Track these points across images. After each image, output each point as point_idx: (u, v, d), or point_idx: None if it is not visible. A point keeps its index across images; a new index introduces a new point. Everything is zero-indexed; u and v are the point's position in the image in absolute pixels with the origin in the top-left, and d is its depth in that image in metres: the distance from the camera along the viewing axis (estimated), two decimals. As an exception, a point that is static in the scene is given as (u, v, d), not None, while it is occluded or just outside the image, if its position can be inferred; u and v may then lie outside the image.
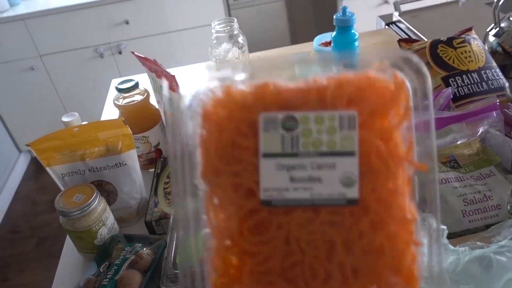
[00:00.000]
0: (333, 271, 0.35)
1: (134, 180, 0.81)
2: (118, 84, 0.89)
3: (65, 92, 2.49)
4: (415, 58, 0.35)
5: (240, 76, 0.38)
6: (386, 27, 1.45)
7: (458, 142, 0.74)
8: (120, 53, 2.39)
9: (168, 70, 1.39)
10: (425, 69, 0.35)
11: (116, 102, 0.89)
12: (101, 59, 2.40)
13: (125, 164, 0.78)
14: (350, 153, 0.35)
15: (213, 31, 1.16)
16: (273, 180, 0.35)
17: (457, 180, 0.68)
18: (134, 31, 2.35)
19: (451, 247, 0.56)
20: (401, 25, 1.41)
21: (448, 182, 0.68)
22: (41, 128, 2.56)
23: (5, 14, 2.23)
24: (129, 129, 0.76)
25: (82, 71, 2.43)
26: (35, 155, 0.73)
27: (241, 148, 0.36)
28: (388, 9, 2.51)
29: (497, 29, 1.04)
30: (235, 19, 1.17)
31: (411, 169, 0.36)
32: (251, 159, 0.35)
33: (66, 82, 2.45)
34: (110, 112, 1.21)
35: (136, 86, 0.89)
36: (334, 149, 0.35)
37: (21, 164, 2.58)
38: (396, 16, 1.44)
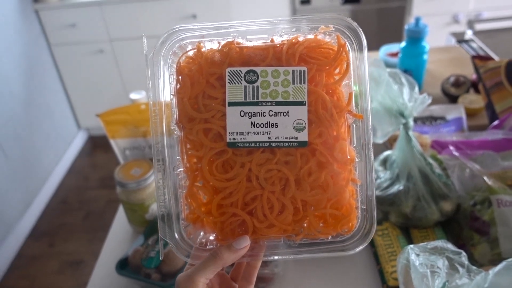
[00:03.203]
0: (287, 204, 0.42)
1: (189, 163, 0.83)
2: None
3: (129, 77, 2.59)
4: (354, 23, 0.43)
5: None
6: (457, 44, 1.40)
7: (527, 167, 0.71)
8: (184, 45, 2.46)
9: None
10: (359, 30, 0.43)
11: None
12: (165, 50, 2.48)
13: (183, 146, 0.80)
14: (301, 103, 0.42)
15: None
16: (237, 125, 0.42)
17: (522, 205, 0.64)
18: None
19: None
20: (473, 44, 1.36)
21: (512, 205, 0.64)
22: (102, 109, 2.68)
23: (84, -1, 2.36)
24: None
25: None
26: (102, 126, 0.77)
27: (211, 98, 0.42)
28: (458, 28, 2.42)
29: None
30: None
31: (350, 118, 0.42)
32: (219, 107, 0.42)
33: (131, 68, 2.56)
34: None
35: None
36: (287, 99, 0.42)
37: (79, 141, 2.71)
38: (469, 35, 1.39)
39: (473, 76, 1.10)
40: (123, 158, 0.80)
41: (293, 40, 0.42)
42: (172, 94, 0.44)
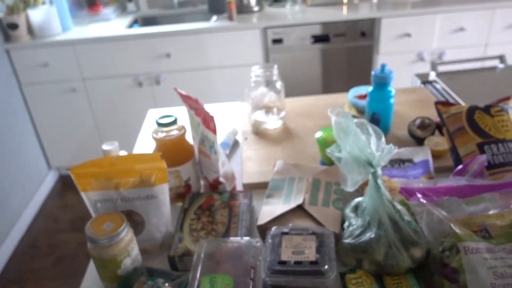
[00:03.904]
0: None
1: (163, 213, 0.83)
2: (158, 119, 0.92)
3: (101, 115, 2.57)
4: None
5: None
6: (422, 85, 1.46)
7: (490, 212, 0.73)
8: (158, 83, 2.47)
9: (205, 105, 1.44)
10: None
11: (154, 135, 0.92)
12: (139, 88, 2.49)
13: (157, 197, 0.80)
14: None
15: (252, 74, 1.20)
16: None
17: (488, 252, 0.66)
18: (174, 64, 2.44)
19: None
20: (437, 86, 1.43)
21: (479, 252, 0.66)
22: (73, 148, 2.64)
23: (57, 38, 2.36)
24: (164, 163, 0.78)
25: (120, 98, 2.52)
26: (73, 179, 0.76)
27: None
28: (423, 66, 2.53)
29: (536, 100, 1.04)
30: (276, 66, 1.21)
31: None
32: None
33: (103, 106, 2.55)
34: (144, 142, 1.25)
35: (175, 122, 0.92)
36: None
37: (49, 181, 2.65)
38: (432, 76, 1.46)
39: (437, 118, 1.15)
40: (95, 211, 0.79)
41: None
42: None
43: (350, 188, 0.75)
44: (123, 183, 0.77)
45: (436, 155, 1.05)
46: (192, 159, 0.96)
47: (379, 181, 0.75)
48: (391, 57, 2.52)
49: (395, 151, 0.74)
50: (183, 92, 0.95)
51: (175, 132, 0.93)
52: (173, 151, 0.93)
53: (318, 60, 2.54)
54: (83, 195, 0.78)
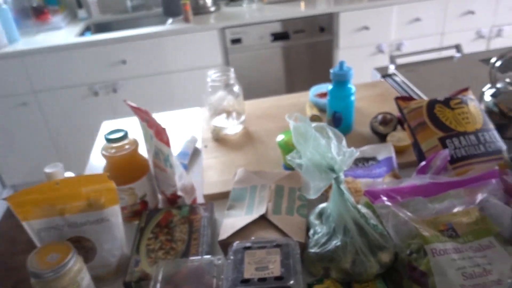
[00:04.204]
0: None
1: (116, 237, 0.77)
2: (107, 134, 0.86)
3: (56, 129, 2.46)
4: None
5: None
6: (382, 79, 1.45)
7: (456, 209, 0.71)
8: (115, 91, 2.38)
9: (162, 113, 1.38)
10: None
11: (103, 152, 0.86)
12: (96, 98, 2.39)
13: (108, 220, 0.74)
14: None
15: (208, 79, 1.15)
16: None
17: (455, 252, 0.64)
18: (131, 71, 2.36)
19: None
20: (397, 78, 1.42)
21: (447, 253, 0.64)
22: (29, 164, 2.51)
23: (3, 50, 2.23)
24: (113, 184, 0.72)
25: (75, 109, 2.41)
26: (12, 209, 0.69)
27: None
28: (383, 58, 2.55)
29: (494, 89, 1.04)
30: (232, 69, 1.17)
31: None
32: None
33: (58, 119, 2.43)
34: (98, 157, 1.18)
35: (125, 136, 0.86)
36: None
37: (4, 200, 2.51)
38: (391, 69, 1.45)
39: (398, 113, 1.13)
40: (39, 240, 0.72)
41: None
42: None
43: (313, 195, 0.72)
44: (69, 209, 0.71)
45: (399, 151, 1.03)
46: (146, 174, 0.90)
47: (343, 186, 0.72)
48: (351, 51, 2.52)
49: (356, 154, 0.71)
50: (133, 104, 0.89)
51: (126, 147, 0.87)
52: (125, 168, 0.87)
53: (280, 58, 2.51)
54: (24, 224, 0.71)
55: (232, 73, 1.16)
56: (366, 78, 1.60)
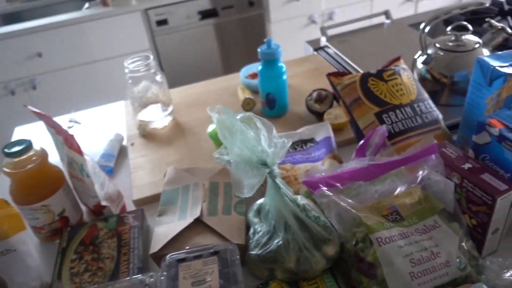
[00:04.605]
0: None
1: (29, 266, 0.67)
2: (6, 148, 0.74)
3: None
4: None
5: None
6: (315, 53, 1.40)
7: (398, 190, 0.68)
8: (34, 88, 2.17)
9: (83, 111, 1.25)
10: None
11: (5, 169, 0.74)
12: (12, 97, 2.17)
13: (15, 250, 0.64)
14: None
15: (126, 71, 1.04)
16: None
17: (401, 238, 0.61)
18: (49, 63, 2.16)
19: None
20: (329, 51, 1.37)
21: (393, 241, 0.60)
22: None
23: None
24: (14, 208, 0.62)
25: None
26: None
27: None
28: (317, 29, 2.51)
29: (425, 56, 1.01)
30: (151, 57, 1.06)
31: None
32: None
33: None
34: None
35: (28, 148, 0.74)
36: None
37: None
38: (323, 42, 1.40)
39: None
40: None
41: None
42: None
43: (247, 194, 0.65)
44: (-37, 244, 0.60)
45: (338, 128, 0.99)
46: (62, 187, 0.79)
47: (278, 180, 0.65)
48: (284, 24, 2.45)
49: (289, 144, 0.64)
50: (34, 109, 0.77)
51: (34, 159, 0.76)
52: (35, 184, 0.76)
53: (212, 38, 2.40)
54: None
55: (152, 61, 1.05)
56: (302, 52, 1.54)
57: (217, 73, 2.39)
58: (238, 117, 0.65)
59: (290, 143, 0.64)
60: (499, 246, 0.68)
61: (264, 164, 0.63)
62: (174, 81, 2.36)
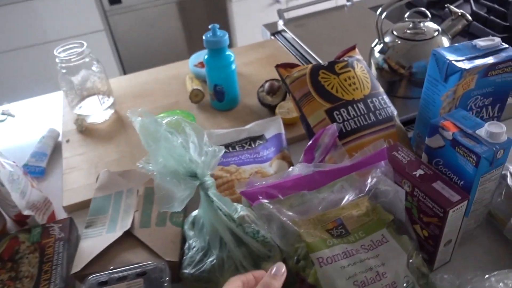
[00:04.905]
0: None
1: None
2: None
3: None
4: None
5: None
6: (272, 37, 1.32)
7: (346, 198, 0.62)
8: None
9: (21, 101, 1.13)
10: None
11: None
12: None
13: None
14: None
15: (57, 60, 0.94)
16: None
17: (345, 256, 0.55)
18: (-7, 45, 2.00)
19: None
20: (287, 35, 1.29)
21: (335, 260, 0.54)
22: None
23: None
24: None
25: None
26: None
27: None
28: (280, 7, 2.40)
29: (382, 45, 0.94)
30: (85, 43, 0.96)
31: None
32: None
33: None
34: None
35: None
36: None
37: None
38: (281, 26, 1.31)
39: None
40: None
41: None
42: None
43: (178, 208, 0.58)
44: None
45: (290, 123, 0.92)
46: (-26, 197, 0.70)
47: (211, 192, 0.58)
48: (246, 3, 2.34)
49: (221, 153, 0.57)
50: None
51: None
52: None
53: (175, 17, 2.27)
54: None
55: (86, 48, 0.95)
56: (261, 36, 1.45)
57: (182, 56, 2.27)
58: (165, 121, 0.57)
59: (222, 152, 0.57)
60: (452, 257, 0.64)
61: (194, 175, 0.56)
62: (133, 67, 2.23)
